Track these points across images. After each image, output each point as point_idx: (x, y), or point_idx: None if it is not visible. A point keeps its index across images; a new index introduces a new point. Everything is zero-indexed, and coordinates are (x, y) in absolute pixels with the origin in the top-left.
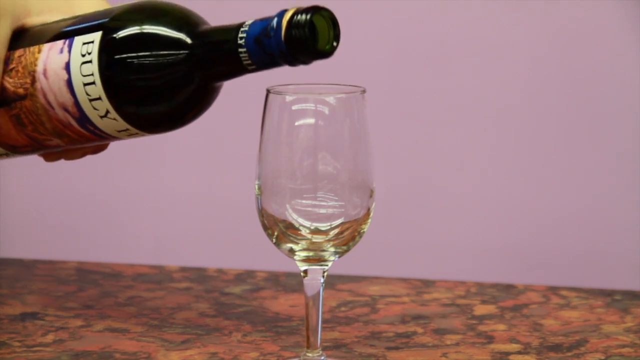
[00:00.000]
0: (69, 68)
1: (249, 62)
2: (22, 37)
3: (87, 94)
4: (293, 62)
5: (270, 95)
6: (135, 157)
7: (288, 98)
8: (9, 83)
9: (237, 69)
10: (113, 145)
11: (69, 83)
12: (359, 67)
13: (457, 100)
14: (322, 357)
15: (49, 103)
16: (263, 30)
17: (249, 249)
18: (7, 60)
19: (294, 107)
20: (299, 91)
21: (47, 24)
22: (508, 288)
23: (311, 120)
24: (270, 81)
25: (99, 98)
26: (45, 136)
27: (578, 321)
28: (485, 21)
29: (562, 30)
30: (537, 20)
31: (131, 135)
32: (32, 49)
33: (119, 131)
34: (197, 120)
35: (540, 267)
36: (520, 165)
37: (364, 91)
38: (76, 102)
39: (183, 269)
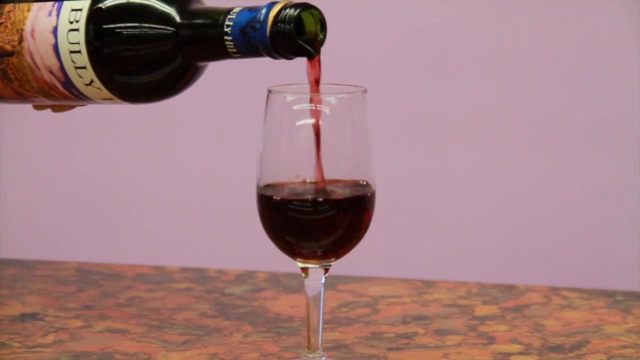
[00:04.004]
0: (56, 33)
1: (234, 50)
2: None
3: (73, 62)
4: (275, 55)
5: (271, 95)
6: (136, 157)
7: (289, 98)
8: None
9: (220, 54)
10: (114, 146)
11: (56, 48)
12: (360, 67)
13: (459, 100)
14: (323, 358)
15: (35, 64)
16: (249, 22)
17: (250, 249)
18: None
19: (295, 107)
20: (300, 91)
21: None
22: (509, 289)
23: (313, 120)
24: (271, 81)
25: (84, 67)
26: (31, 93)
27: (579, 322)
28: (487, 22)
29: (566, 30)
30: (540, 20)
31: (115, 103)
32: (21, 5)
33: (103, 99)
34: (198, 120)
35: (541, 268)
36: (522, 166)
37: (365, 91)
38: (62, 67)
39: (183, 270)
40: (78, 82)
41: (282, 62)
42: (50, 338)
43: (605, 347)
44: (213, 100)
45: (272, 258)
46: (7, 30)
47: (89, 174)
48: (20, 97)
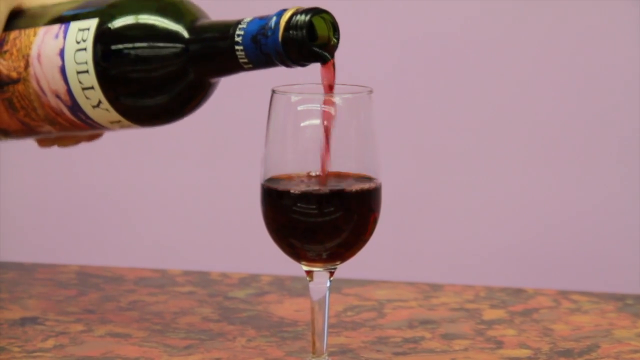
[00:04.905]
0: (63, 54)
1: (245, 60)
2: (19, 18)
3: (80, 82)
4: (288, 63)
5: (276, 96)
6: (137, 159)
7: (293, 98)
8: (3, 65)
9: (232, 67)
10: (114, 147)
11: (63, 70)
12: (366, 67)
13: (466, 101)
14: None
15: (41, 89)
16: (261, 29)
17: (254, 253)
18: (1, 42)
19: (300, 108)
20: (305, 91)
21: (45, 6)
22: (518, 292)
23: (317, 121)
24: (275, 81)
25: (92, 87)
26: (37, 122)
27: (589, 326)
28: (492, 22)
29: (574, 30)
30: (545, 20)
31: (123, 127)
32: (27, 31)
33: (111, 122)
34: (201, 121)
35: (550, 271)
36: (531, 168)
37: (370, 91)
38: (69, 90)
39: (186, 273)
40: (85, 105)
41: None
42: (50, 342)
43: (615, 351)
44: (215, 101)
45: (276, 261)
46: (13, 57)
47: (89, 175)
48: (25, 128)
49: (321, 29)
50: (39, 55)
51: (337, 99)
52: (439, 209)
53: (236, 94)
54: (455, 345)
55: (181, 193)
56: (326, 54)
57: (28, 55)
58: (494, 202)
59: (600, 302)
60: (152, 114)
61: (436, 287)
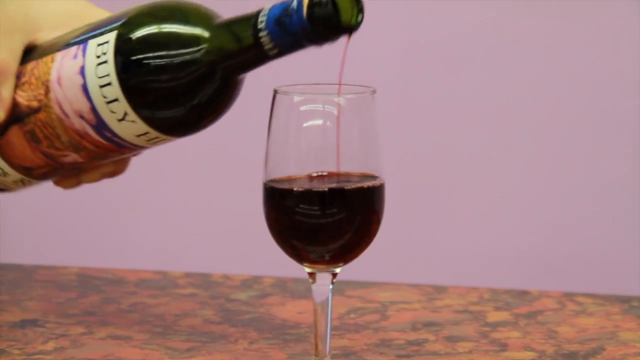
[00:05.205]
0: (83, 72)
1: (271, 45)
2: (34, 51)
3: (104, 97)
4: (317, 40)
5: (278, 96)
6: (138, 159)
7: (296, 99)
8: (22, 97)
9: (259, 57)
10: None
11: (85, 87)
12: (369, 67)
13: (470, 102)
14: None
15: (64, 112)
16: (284, 11)
17: (256, 254)
18: (19, 75)
19: (302, 108)
20: (307, 91)
21: (60, 36)
22: (522, 294)
23: (320, 122)
24: (277, 81)
25: (116, 99)
26: (61, 151)
27: (594, 328)
28: (497, 21)
29: (580, 33)
30: (550, 23)
31: (150, 140)
32: (45, 59)
33: (138, 135)
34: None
35: (555, 273)
36: (536, 169)
37: (374, 92)
38: (93, 107)
39: (188, 275)
40: (110, 120)
41: (286, 63)
42: (51, 345)
43: (620, 354)
44: None
45: (278, 263)
46: (32, 87)
47: None
48: (49, 161)
49: (344, 4)
50: (59, 79)
51: (339, 99)
52: (443, 211)
53: (239, 95)
54: (460, 347)
55: (182, 194)
56: (354, 25)
57: (47, 81)
58: (498, 203)
59: (606, 304)
60: (180, 120)
61: (440, 289)
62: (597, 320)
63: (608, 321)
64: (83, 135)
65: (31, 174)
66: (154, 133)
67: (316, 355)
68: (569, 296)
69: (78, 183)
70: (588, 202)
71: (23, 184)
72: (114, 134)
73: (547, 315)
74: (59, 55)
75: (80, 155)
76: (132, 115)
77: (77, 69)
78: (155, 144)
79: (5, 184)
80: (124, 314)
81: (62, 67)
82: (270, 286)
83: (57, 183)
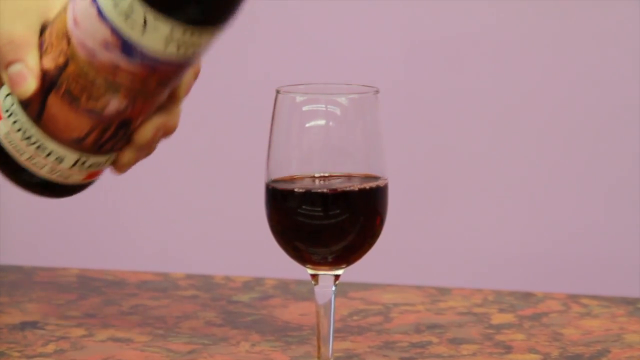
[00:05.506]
0: (95, 0)
1: None
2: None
3: (120, 10)
4: None
5: (280, 96)
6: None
7: (298, 99)
8: (49, 60)
9: None
10: None
11: (100, 13)
12: (372, 67)
13: (474, 102)
14: None
15: (89, 51)
16: None
17: (258, 256)
18: (41, 45)
19: (305, 108)
20: (310, 91)
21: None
22: (527, 296)
23: (322, 122)
24: (279, 81)
25: (132, 9)
26: (101, 101)
27: (599, 330)
28: (501, 22)
29: (583, 34)
30: (554, 23)
31: (179, 46)
32: (57, 18)
33: (165, 40)
34: (204, 122)
35: (560, 275)
36: (540, 170)
37: (377, 91)
38: (113, 29)
39: (189, 276)
40: (134, 35)
41: (287, 63)
42: (51, 347)
43: (626, 356)
44: (217, 102)
45: (280, 265)
46: (54, 46)
47: None
48: (95, 120)
49: None
50: (75, 21)
51: (342, 99)
52: (446, 212)
53: (239, 94)
54: (463, 350)
55: (184, 195)
56: None
57: (66, 31)
58: (502, 204)
59: (611, 306)
60: (203, 8)
61: (444, 291)
62: (603, 322)
63: (613, 323)
64: (115, 67)
65: (83, 146)
66: (178, 32)
67: (319, 358)
68: (574, 298)
69: (134, 154)
70: (593, 204)
71: (81, 169)
72: (143, 53)
73: (552, 317)
74: (70, 5)
75: (121, 97)
76: (150, 18)
77: (89, 1)
78: (186, 52)
79: (64, 175)
80: (124, 316)
81: (75, 10)
82: (273, 288)
83: (114, 164)
